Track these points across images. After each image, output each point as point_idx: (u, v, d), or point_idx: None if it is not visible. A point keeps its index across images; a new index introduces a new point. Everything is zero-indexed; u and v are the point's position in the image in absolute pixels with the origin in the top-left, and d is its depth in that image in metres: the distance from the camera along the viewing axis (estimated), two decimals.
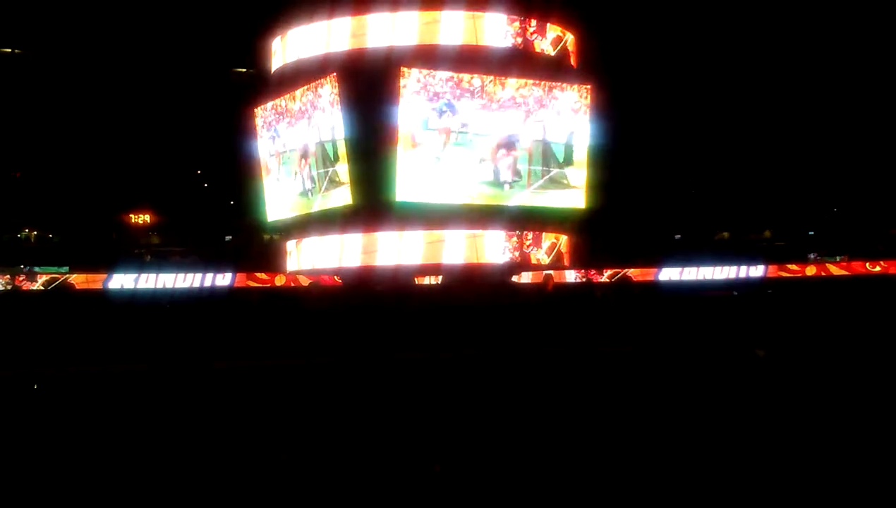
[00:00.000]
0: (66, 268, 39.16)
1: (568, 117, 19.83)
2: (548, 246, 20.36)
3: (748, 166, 49.10)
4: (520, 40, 19.04)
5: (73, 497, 9.68)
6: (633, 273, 45.68)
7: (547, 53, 19.61)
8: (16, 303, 35.64)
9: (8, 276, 36.70)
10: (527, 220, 19.78)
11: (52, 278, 37.05)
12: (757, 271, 45.68)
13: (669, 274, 45.89)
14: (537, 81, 19.23)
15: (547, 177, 19.75)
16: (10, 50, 43.58)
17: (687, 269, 46.26)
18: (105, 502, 9.59)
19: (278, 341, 18.67)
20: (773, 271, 45.72)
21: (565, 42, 20.06)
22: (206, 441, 11.80)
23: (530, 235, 19.96)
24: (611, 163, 22.36)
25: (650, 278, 45.94)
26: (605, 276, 45.38)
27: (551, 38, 19.67)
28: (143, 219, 41.71)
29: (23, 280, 36.76)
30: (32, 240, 42.59)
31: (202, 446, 11.59)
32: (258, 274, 39.26)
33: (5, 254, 40.38)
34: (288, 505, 9.71)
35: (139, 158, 42.84)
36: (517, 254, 19.63)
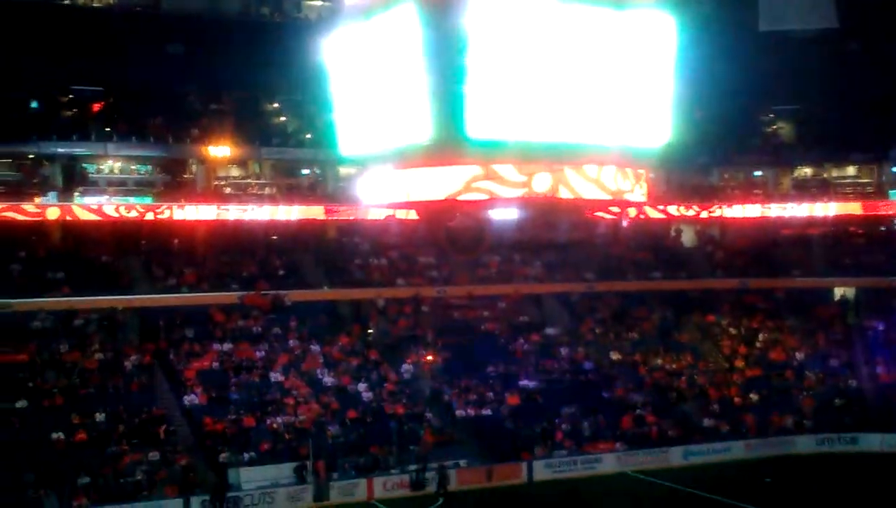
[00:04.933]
0: (149, 198, 40.30)
1: (652, 48, 19.28)
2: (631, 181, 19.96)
3: (831, 96, 47.43)
4: None
5: None
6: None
7: None
8: None
9: None
10: (609, 156, 19.41)
11: None
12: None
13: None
14: (618, 7, 18.68)
15: (627, 110, 19.33)
16: None
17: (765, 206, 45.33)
18: None
19: None
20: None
21: None
22: None
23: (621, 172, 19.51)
24: (694, 96, 21.77)
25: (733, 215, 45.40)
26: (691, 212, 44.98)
27: None
28: (222, 152, 42.41)
29: None
30: (116, 172, 43.83)
31: None
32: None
33: (90, 184, 41.74)
34: None
35: (213, 92, 43.41)
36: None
